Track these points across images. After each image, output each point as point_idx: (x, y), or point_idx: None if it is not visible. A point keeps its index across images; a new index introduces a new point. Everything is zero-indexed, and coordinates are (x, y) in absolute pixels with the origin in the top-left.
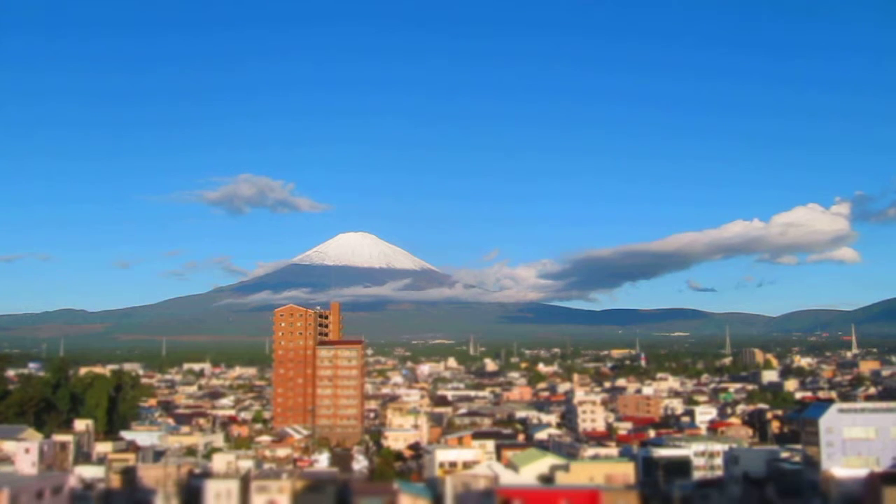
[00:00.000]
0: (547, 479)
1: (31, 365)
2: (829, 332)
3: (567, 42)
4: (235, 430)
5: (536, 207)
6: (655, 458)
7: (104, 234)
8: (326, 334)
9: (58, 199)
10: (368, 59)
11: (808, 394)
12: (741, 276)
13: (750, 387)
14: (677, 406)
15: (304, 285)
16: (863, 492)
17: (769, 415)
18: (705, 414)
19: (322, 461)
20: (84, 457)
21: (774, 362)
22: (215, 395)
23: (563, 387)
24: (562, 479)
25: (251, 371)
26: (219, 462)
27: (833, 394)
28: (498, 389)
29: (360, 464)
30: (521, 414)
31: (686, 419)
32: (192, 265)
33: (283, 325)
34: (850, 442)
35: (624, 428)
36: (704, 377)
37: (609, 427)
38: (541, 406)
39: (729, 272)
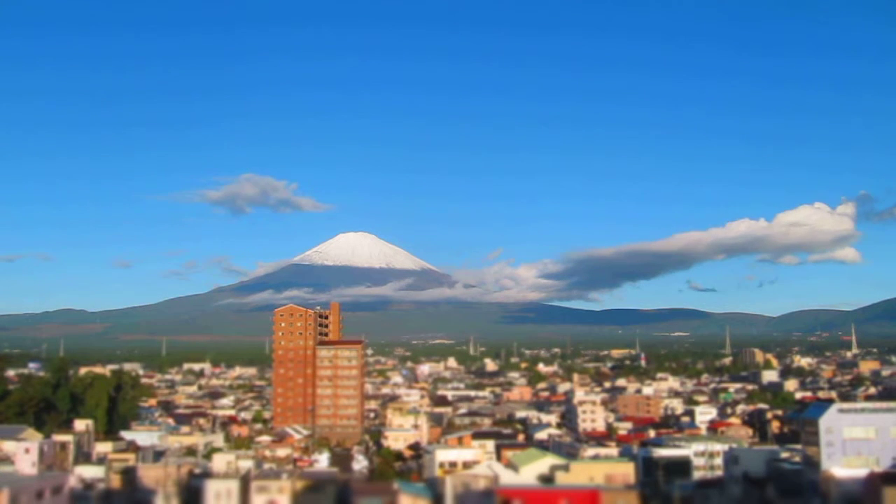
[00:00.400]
0: (547, 479)
1: (31, 365)
2: (829, 332)
3: (568, 41)
4: (235, 430)
5: (537, 207)
6: (655, 458)
7: (105, 233)
8: (326, 334)
9: (58, 199)
10: (369, 58)
11: (808, 394)
12: (742, 276)
13: (750, 387)
14: (677, 406)
15: (304, 285)
16: (863, 492)
17: (769, 415)
18: (705, 414)
19: (322, 461)
20: (84, 457)
21: (774, 362)
22: (215, 395)
23: (563, 387)
24: (562, 479)
25: (251, 371)
26: (219, 462)
27: (833, 394)
28: (498, 389)
29: (360, 464)
30: (521, 414)
31: (686, 419)
32: (191, 265)
33: (283, 325)
34: (850, 442)
35: (624, 428)
36: (704, 377)
37: (609, 427)
38: (541, 406)
39: (730, 272)
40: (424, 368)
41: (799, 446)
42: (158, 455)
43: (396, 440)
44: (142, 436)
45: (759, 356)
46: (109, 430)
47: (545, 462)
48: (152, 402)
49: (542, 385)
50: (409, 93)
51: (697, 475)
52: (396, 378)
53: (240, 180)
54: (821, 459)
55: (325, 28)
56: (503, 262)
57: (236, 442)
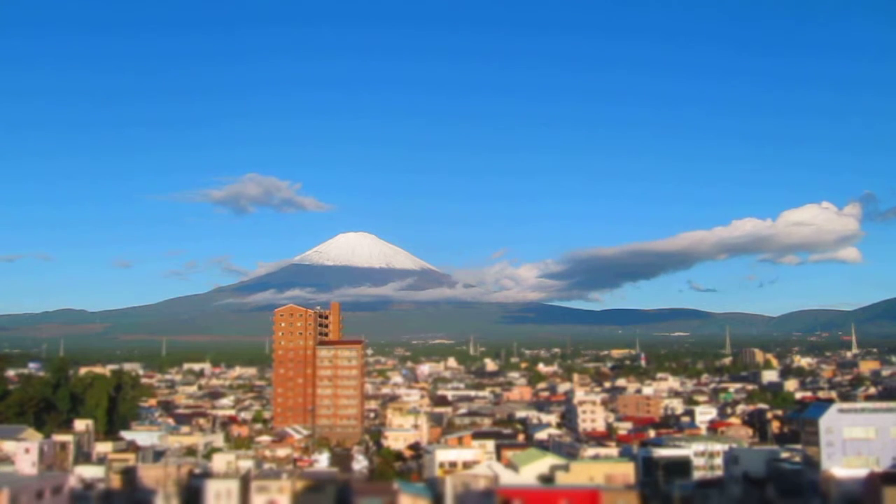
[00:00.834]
0: (547, 479)
1: (31, 365)
2: (829, 332)
3: (570, 41)
4: (235, 430)
5: (537, 207)
6: (655, 458)
7: (105, 234)
8: (326, 334)
9: (59, 199)
10: (370, 58)
11: (808, 394)
12: (743, 276)
13: (750, 387)
14: (677, 406)
15: (304, 285)
16: (863, 492)
17: (769, 415)
18: (705, 414)
19: (322, 461)
20: (84, 457)
21: (774, 362)
22: (215, 395)
23: (563, 387)
24: (562, 479)
25: (251, 371)
26: (219, 462)
27: (833, 394)
28: (498, 389)
29: (360, 464)
30: (521, 414)
31: (686, 419)
32: (192, 265)
33: (283, 325)
34: (850, 442)
35: (624, 428)
36: (704, 377)
37: (609, 427)
38: (541, 406)
39: (731, 272)
40: (424, 368)
41: (799, 446)
42: (158, 455)
43: (396, 440)
44: (142, 436)
45: (759, 356)
46: (109, 430)
47: (545, 462)
48: (152, 402)
49: (542, 385)
50: (410, 92)
51: (697, 475)
52: (396, 378)
53: (243, 180)
54: (821, 459)
55: (327, 28)
56: (503, 262)
57: (236, 442)
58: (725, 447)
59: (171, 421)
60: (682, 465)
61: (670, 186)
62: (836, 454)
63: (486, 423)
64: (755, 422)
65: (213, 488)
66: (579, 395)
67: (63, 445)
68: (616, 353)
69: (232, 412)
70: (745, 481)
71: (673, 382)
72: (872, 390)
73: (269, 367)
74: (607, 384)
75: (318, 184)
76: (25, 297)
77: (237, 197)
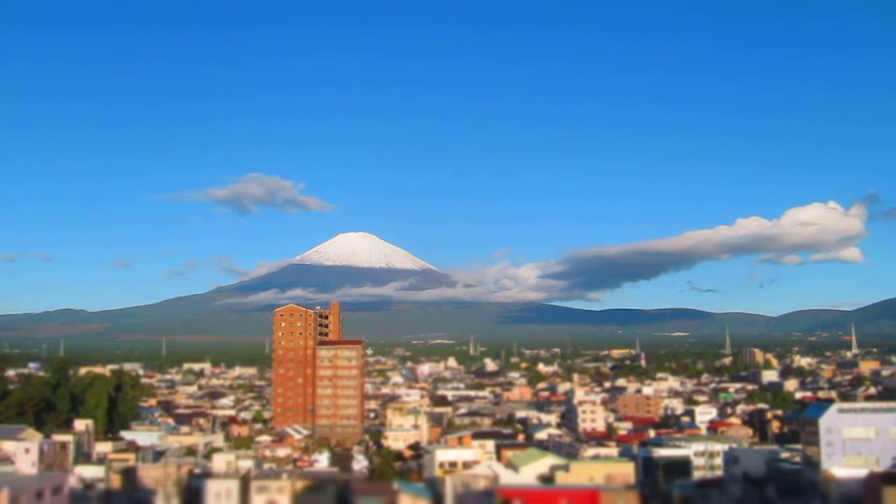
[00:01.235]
0: (547, 479)
1: (31, 365)
2: (829, 332)
3: (573, 41)
4: (235, 430)
5: (539, 207)
6: (655, 458)
7: (106, 233)
8: (326, 334)
9: (60, 199)
10: (370, 57)
11: (808, 394)
12: (744, 276)
13: (750, 387)
14: (677, 406)
15: (304, 285)
16: (863, 492)
17: (769, 415)
18: (705, 414)
19: (322, 461)
20: (84, 457)
21: (774, 362)
22: (215, 395)
23: (563, 387)
24: (562, 479)
25: (251, 371)
26: (219, 462)
27: (833, 394)
28: (498, 389)
29: (360, 464)
30: (521, 414)
31: (686, 419)
32: (192, 264)
33: (283, 325)
34: (850, 442)
35: (624, 428)
36: (704, 377)
37: (609, 427)
38: (541, 406)
39: (733, 272)
40: (424, 368)
41: (799, 446)
42: (158, 455)
43: (396, 440)
44: (142, 436)
45: (759, 356)
46: (109, 430)
47: (545, 462)
48: (152, 402)
49: (542, 385)
50: (411, 92)
51: (697, 475)
52: (396, 378)
53: (246, 180)
54: (821, 459)
55: (332, 28)
56: (504, 262)
57: (236, 442)
58: (725, 447)
59: (171, 421)
60: (682, 465)
61: (675, 186)
62: (836, 454)
63: (486, 423)
64: (755, 422)
65: (213, 488)
66: (579, 395)
67: (63, 445)
68: (616, 353)
69: (232, 412)
70: (745, 481)
71: (673, 382)
72: (872, 390)
73: (269, 367)
74: (607, 384)
75: (321, 183)
76: (25, 297)
77: (240, 197)
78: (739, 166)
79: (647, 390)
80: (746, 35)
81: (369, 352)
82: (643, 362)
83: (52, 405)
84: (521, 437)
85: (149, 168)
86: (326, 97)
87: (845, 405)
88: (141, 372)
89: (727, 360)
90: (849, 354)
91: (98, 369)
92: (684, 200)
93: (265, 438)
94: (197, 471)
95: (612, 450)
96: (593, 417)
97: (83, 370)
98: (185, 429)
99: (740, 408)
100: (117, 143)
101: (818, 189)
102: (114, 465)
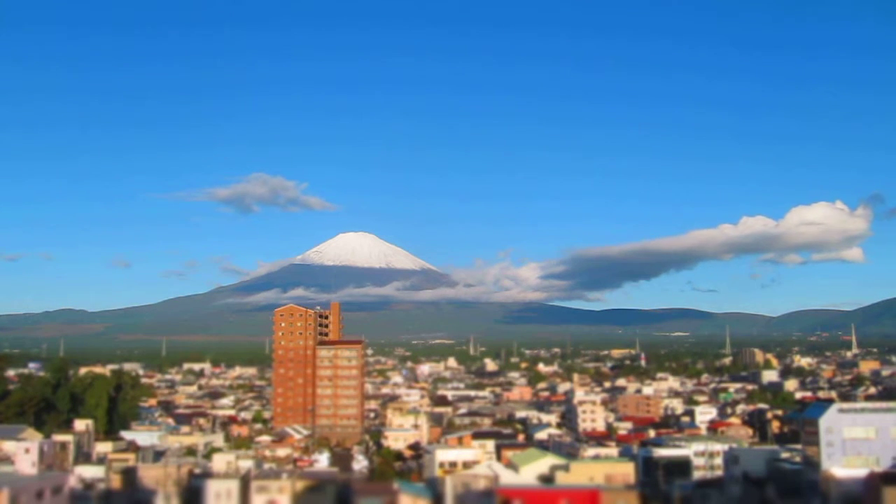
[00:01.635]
0: (547, 479)
1: (31, 365)
2: (829, 332)
3: (575, 40)
4: (235, 430)
5: (539, 207)
6: (655, 458)
7: (107, 233)
8: (326, 334)
9: (61, 199)
10: (370, 57)
11: (808, 394)
12: (745, 276)
13: (750, 387)
14: (677, 406)
15: (304, 285)
16: (863, 492)
17: (769, 415)
18: (705, 414)
19: (322, 461)
20: (84, 457)
21: (774, 362)
22: (215, 395)
23: (563, 387)
24: (562, 479)
25: (251, 371)
26: (219, 462)
27: (833, 394)
28: (498, 389)
29: (360, 464)
30: (521, 414)
31: (686, 419)
32: (192, 264)
33: (283, 324)
34: (850, 442)
35: (624, 428)
36: (704, 377)
37: (609, 427)
38: (541, 406)
39: (734, 272)
40: (424, 368)
41: (799, 446)
42: (158, 455)
43: (396, 440)
44: (142, 436)
45: (759, 356)
46: (109, 430)
47: (545, 462)
48: (152, 402)
49: (542, 385)
50: (412, 91)
51: (697, 475)
52: (396, 378)
53: (249, 179)
54: (821, 459)
55: (332, 29)
56: (504, 262)
57: (236, 442)
58: (725, 447)
59: (171, 421)
60: (682, 465)
61: (681, 186)
62: (836, 454)
63: (486, 423)
64: (755, 422)
65: (213, 488)
66: (579, 395)
67: (63, 445)
68: (616, 353)
69: (232, 412)
70: (745, 481)
71: (673, 382)
72: (872, 390)
73: (269, 367)
74: (607, 384)
75: (322, 183)
76: (25, 296)
77: (242, 196)
78: (746, 166)
79: (647, 390)
80: (755, 35)
81: (369, 352)
82: (643, 362)
83: (52, 405)
84: (521, 437)
85: (151, 168)
86: (328, 97)
87: (845, 405)
88: (141, 372)
89: (727, 360)
90: (849, 354)
91: (98, 369)
92: (690, 200)
93: (265, 438)
94: (197, 471)
95: (612, 450)
96: (593, 417)
97: (83, 370)
98: (185, 429)
99: (740, 408)
100: (119, 143)
101: (827, 189)
102: (114, 465)
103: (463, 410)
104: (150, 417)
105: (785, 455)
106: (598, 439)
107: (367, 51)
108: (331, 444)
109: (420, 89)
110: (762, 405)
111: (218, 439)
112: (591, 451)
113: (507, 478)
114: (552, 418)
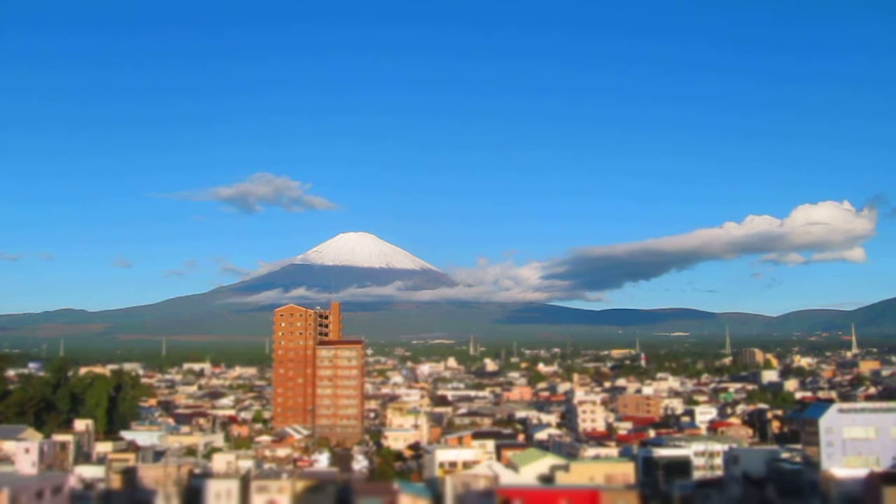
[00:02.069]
0: (547, 479)
1: (31, 365)
2: (829, 332)
3: (576, 39)
4: (235, 430)
5: (540, 206)
6: (655, 458)
7: (108, 233)
8: (326, 334)
9: (62, 198)
10: (371, 56)
11: (808, 394)
12: (746, 276)
13: (750, 387)
14: (677, 406)
15: (304, 285)
16: (863, 492)
17: (769, 415)
18: (705, 414)
19: (322, 461)
20: (84, 457)
21: (774, 362)
22: (215, 395)
23: (563, 387)
24: (562, 479)
25: (251, 371)
26: (219, 462)
27: (833, 394)
28: (498, 389)
29: (360, 464)
30: (521, 414)
31: (686, 419)
32: (192, 264)
33: (283, 325)
34: (850, 442)
35: (624, 428)
36: (704, 377)
37: (609, 427)
38: (541, 406)
39: (733, 272)
40: (424, 368)
41: (799, 446)
42: (158, 455)
43: (396, 440)
44: (142, 436)
45: (759, 356)
46: (109, 430)
47: (545, 462)
48: (152, 402)
49: (542, 385)
50: (413, 91)
51: (697, 475)
52: (396, 378)
53: (253, 179)
54: (821, 459)
55: (333, 29)
56: (504, 262)
57: (236, 442)
58: (725, 447)
59: (171, 421)
60: (682, 465)
61: (687, 185)
62: (836, 454)
63: (486, 423)
64: (755, 422)
65: (213, 488)
66: (579, 395)
67: (63, 445)
68: (616, 353)
69: (232, 412)
70: (745, 481)
71: (673, 382)
72: (872, 390)
73: (269, 367)
74: (607, 384)
75: (326, 183)
76: (26, 296)
77: (245, 196)
78: (754, 165)
79: (647, 390)
80: (763, 34)
81: (369, 352)
82: (643, 362)
83: (52, 405)
84: (521, 437)
85: (154, 167)
86: (328, 97)
87: (845, 405)
88: (141, 372)
89: (727, 360)
90: (849, 354)
91: (98, 369)
92: (698, 199)
93: (265, 438)
94: (197, 471)
95: (612, 450)
96: (593, 417)
97: (83, 370)
98: (185, 429)
99: (740, 408)
100: (120, 143)
101: (835, 188)
102: (114, 465)
103: (463, 410)
104: (150, 417)
105: (785, 455)
106: (598, 439)
107: (367, 51)
108: (331, 444)
109: (421, 89)
110: (762, 405)
111: (218, 439)
112: (591, 451)
113: (507, 478)
114: (552, 418)
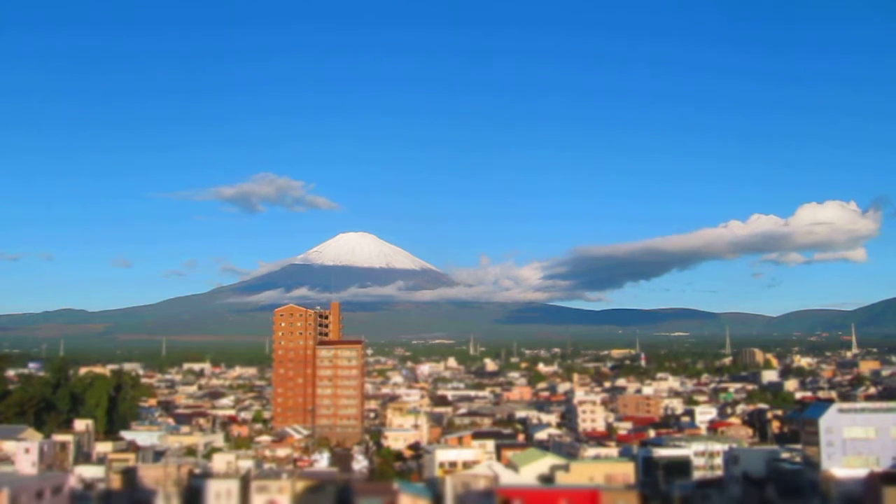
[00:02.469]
0: (547, 479)
1: (31, 365)
2: (829, 332)
3: (578, 39)
4: (235, 430)
5: (540, 206)
6: (655, 458)
7: (108, 233)
8: (326, 334)
9: (62, 198)
10: (372, 57)
11: (808, 394)
12: (746, 276)
13: (750, 387)
14: (677, 406)
15: (304, 285)
16: (863, 492)
17: (769, 415)
18: (705, 414)
19: (322, 461)
20: (84, 457)
21: (774, 362)
22: (215, 395)
23: (563, 387)
24: (562, 479)
25: (251, 371)
26: (219, 462)
27: (833, 394)
28: (498, 389)
29: (360, 464)
30: (521, 414)
31: (686, 419)
32: (192, 264)
33: (283, 324)
34: (850, 442)
35: (624, 428)
36: (704, 377)
37: (609, 427)
38: (541, 406)
39: (734, 272)
40: (424, 368)
41: (799, 446)
42: (158, 455)
43: (396, 440)
44: (142, 436)
45: (759, 356)
46: (109, 430)
47: (545, 462)
48: (152, 402)
49: (542, 385)
50: (411, 91)
51: (697, 475)
52: (396, 378)
53: (255, 179)
54: (821, 459)
55: (334, 29)
56: (504, 262)
57: (236, 442)
58: (725, 447)
59: (171, 421)
60: (682, 465)
61: (691, 184)
62: (836, 454)
63: (486, 423)
64: (755, 422)
65: (213, 488)
66: (579, 395)
67: (63, 445)
68: (616, 353)
69: (232, 412)
70: (745, 481)
71: (673, 382)
72: (872, 390)
73: (269, 367)
74: (607, 384)
75: (327, 183)
76: (26, 296)
77: (248, 196)
78: (759, 165)
79: (647, 390)
80: (764, 35)
81: (369, 352)
82: (643, 362)
83: (52, 405)
84: (521, 437)
85: (155, 167)
86: (330, 97)
87: (845, 405)
88: (141, 372)
89: (727, 360)
90: (849, 354)
91: (98, 369)
92: (702, 198)
93: (265, 438)
94: (197, 471)
95: (612, 450)
96: (593, 417)
97: (83, 370)
98: (185, 429)
99: (740, 408)
100: (122, 143)
101: (841, 189)
102: (114, 465)
103: (463, 410)
104: (150, 417)
105: (785, 455)
106: (598, 439)
107: (368, 51)
108: (331, 444)
109: (421, 89)
110: (762, 405)
111: (218, 439)
112: (591, 451)
113: (507, 478)
114: (552, 418)
